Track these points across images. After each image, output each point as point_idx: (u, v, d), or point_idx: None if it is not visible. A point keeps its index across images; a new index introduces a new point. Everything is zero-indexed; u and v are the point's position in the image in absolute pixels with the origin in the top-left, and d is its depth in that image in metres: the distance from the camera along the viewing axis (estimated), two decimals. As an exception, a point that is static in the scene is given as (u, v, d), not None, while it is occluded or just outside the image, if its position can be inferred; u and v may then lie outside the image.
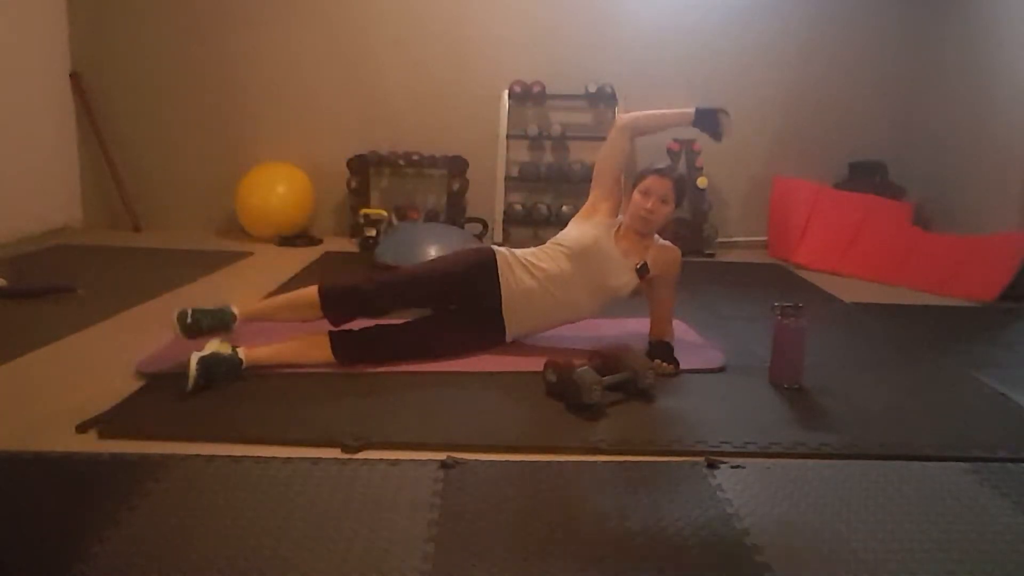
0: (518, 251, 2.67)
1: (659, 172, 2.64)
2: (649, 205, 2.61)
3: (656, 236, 2.72)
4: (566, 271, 2.60)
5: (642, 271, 2.62)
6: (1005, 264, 3.82)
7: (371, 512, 1.62)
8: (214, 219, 5.08)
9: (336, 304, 2.48)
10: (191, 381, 2.17)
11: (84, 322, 2.89)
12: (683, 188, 2.70)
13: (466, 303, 2.66)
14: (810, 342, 2.47)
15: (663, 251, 2.68)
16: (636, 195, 2.64)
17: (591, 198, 2.77)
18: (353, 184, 4.86)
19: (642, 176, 2.67)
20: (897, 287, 4.05)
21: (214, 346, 2.30)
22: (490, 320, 2.63)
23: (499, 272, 2.60)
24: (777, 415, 2.24)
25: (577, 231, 2.68)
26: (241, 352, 2.32)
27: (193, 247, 4.51)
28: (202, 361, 2.21)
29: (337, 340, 2.45)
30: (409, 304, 2.65)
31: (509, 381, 2.41)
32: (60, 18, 4.84)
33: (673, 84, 4.99)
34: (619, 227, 2.69)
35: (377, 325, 2.55)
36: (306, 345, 2.44)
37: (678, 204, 2.69)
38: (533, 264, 2.62)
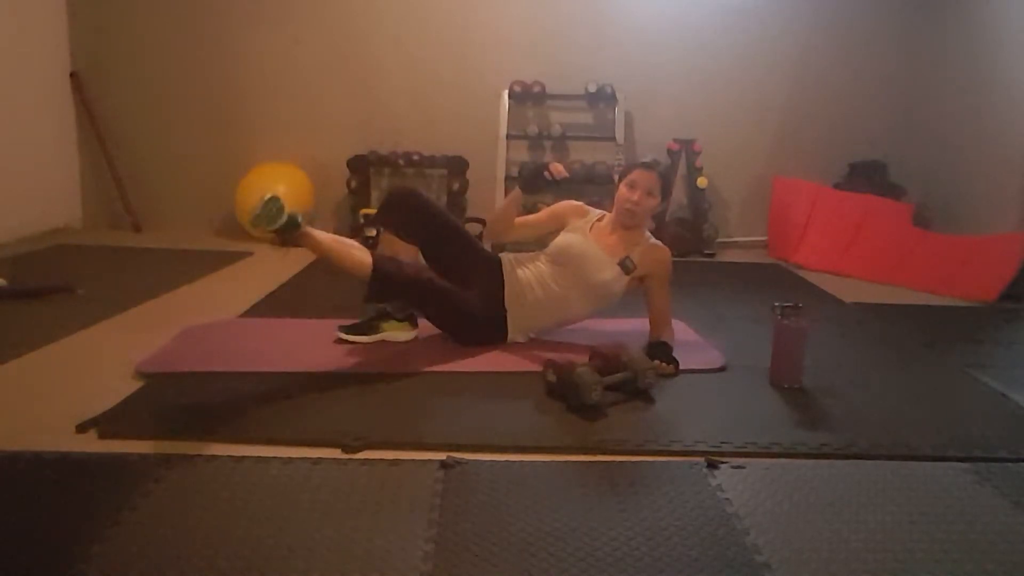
0: (519, 255, 2.81)
1: (644, 165, 2.72)
2: (635, 197, 2.67)
3: (648, 235, 2.77)
4: (554, 271, 2.70)
5: (625, 265, 2.66)
6: (1005, 264, 3.82)
7: (371, 512, 1.62)
8: (214, 219, 5.08)
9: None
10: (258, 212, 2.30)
11: (84, 322, 2.89)
12: (669, 181, 2.75)
13: (476, 282, 2.74)
14: (810, 342, 2.47)
15: (652, 250, 2.73)
16: (622, 188, 2.71)
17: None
18: (353, 184, 4.86)
19: (628, 170, 2.76)
20: (897, 287, 4.05)
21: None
22: (494, 314, 2.71)
23: (503, 269, 2.73)
24: (777, 415, 2.24)
25: (557, 239, 2.78)
26: (300, 217, 2.39)
27: (193, 247, 4.50)
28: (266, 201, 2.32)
29: (377, 271, 2.47)
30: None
31: (509, 381, 2.41)
32: (60, 18, 4.84)
33: (673, 84, 5.00)
34: (597, 222, 2.76)
35: (417, 274, 2.62)
36: (352, 252, 2.49)
37: (664, 197, 2.79)
38: (527, 265, 2.75)
